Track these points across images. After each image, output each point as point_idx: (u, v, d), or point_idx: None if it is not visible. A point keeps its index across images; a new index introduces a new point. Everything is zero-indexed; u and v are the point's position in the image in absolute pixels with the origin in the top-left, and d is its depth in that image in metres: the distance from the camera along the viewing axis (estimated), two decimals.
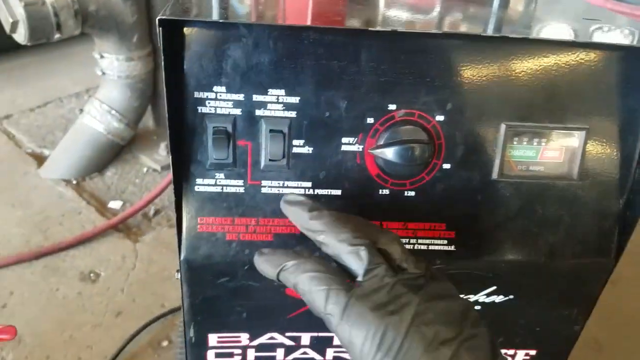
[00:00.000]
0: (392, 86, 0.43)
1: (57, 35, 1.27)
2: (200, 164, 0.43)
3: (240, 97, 0.42)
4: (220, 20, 0.38)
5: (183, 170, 0.43)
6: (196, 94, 0.41)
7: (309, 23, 0.44)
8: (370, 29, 0.40)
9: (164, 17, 0.36)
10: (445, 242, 0.48)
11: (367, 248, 0.37)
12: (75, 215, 1.31)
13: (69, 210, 1.32)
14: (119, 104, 1.45)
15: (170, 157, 0.42)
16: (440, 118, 0.44)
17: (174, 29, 0.38)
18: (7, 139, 1.59)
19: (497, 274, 0.50)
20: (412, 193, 0.46)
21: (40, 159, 1.50)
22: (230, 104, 0.42)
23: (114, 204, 1.36)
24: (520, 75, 0.45)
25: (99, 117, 1.43)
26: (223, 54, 0.40)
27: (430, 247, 0.48)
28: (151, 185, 1.44)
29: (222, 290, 0.47)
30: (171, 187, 1.40)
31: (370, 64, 0.42)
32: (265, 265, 0.40)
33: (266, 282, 0.46)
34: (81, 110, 1.49)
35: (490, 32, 0.46)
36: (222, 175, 0.43)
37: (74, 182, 1.42)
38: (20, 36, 1.24)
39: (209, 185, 0.44)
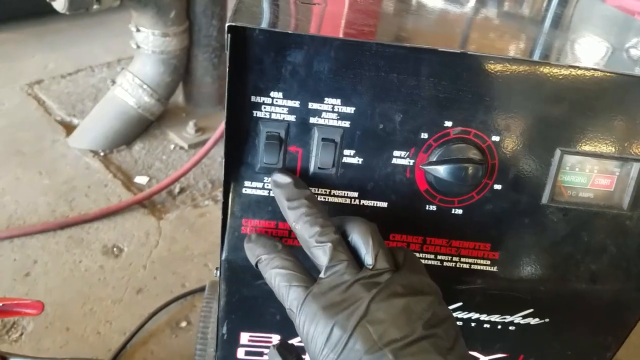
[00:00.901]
0: (450, 103, 0.42)
1: (95, 7, 1.27)
2: (250, 167, 0.43)
3: (295, 103, 0.41)
4: (289, 32, 0.37)
5: (233, 172, 0.43)
6: (253, 98, 0.41)
7: (342, 24, 0.43)
8: (439, 48, 0.38)
9: (233, 24, 0.35)
10: (489, 262, 0.47)
11: (332, 244, 0.38)
12: (102, 187, 1.32)
13: (95, 182, 1.33)
14: (152, 79, 1.45)
15: (224, 159, 0.41)
16: (496, 138, 0.43)
17: (239, 35, 0.37)
18: (37, 105, 1.60)
19: (536, 297, 0.49)
20: (460, 211, 0.45)
21: (69, 128, 1.51)
22: (285, 109, 0.41)
23: (140, 179, 1.37)
24: (578, 101, 0.43)
25: (131, 90, 1.44)
26: (284, 59, 0.40)
27: (473, 267, 0.47)
28: (177, 162, 1.45)
29: (258, 292, 0.47)
30: (198, 166, 1.39)
31: (430, 79, 0.41)
32: (248, 253, 0.42)
33: None
34: (113, 82, 1.49)
35: (553, 58, 0.45)
36: (270, 180, 0.43)
37: (102, 153, 1.43)
38: (60, 5, 1.24)
39: (256, 188, 0.43)
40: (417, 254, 0.46)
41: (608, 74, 0.42)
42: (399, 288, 0.37)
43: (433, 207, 0.45)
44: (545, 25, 0.55)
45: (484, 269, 0.47)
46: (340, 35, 0.40)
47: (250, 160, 0.43)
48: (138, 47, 1.43)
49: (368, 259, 0.38)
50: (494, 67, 0.41)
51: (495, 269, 0.47)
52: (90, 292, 1.07)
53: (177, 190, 1.35)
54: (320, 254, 0.38)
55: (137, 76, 1.44)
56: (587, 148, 0.45)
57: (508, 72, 0.41)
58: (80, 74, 1.76)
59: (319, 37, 0.39)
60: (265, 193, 0.44)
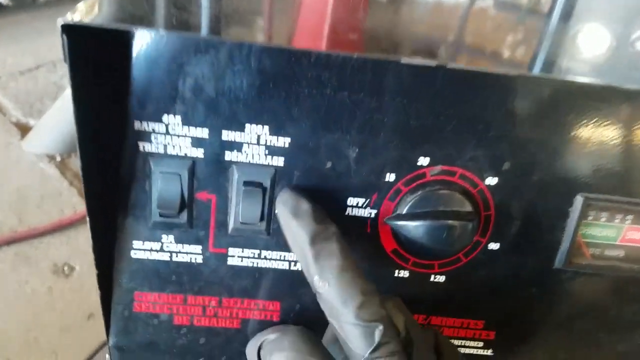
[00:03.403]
0: (426, 132, 0.29)
1: None
2: (139, 221, 0.30)
3: (203, 132, 0.28)
4: (180, 34, 0.24)
5: (113, 228, 0.30)
6: (136, 125, 0.28)
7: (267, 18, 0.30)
8: (403, 60, 0.26)
9: (67, 24, 0.22)
10: (481, 344, 0.35)
11: (383, 326, 0.25)
12: (56, 197, 1.19)
13: (50, 191, 1.20)
14: None
15: (87, 210, 0.28)
16: (491, 181, 0.31)
17: (99, 34, 0.24)
18: None
19: None
20: (442, 278, 0.33)
21: (25, 130, 1.37)
22: (187, 141, 0.28)
23: None
24: (608, 132, 0.31)
25: None
26: (180, 68, 0.27)
27: (460, 350, 0.35)
28: None
29: None
30: None
31: (397, 98, 0.28)
32: (249, 348, 0.31)
33: None
34: None
35: (565, 69, 0.32)
36: (171, 238, 0.30)
37: (58, 158, 1.29)
38: None
39: (151, 250, 0.31)
40: None
41: None
42: None
43: (405, 273, 0.33)
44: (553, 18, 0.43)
45: (476, 352, 0.35)
46: (266, 41, 0.27)
47: (139, 213, 0.30)
48: None
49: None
50: (487, 80, 0.28)
51: (489, 352, 0.35)
52: (36, 318, 0.95)
53: None
54: (360, 338, 0.25)
55: None
56: (617, 193, 0.32)
57: (508, 89, 0.29)
58: (41, 70, 1.61)
59: (228, 43, 0.26)
60: (166, 257, 0.31)
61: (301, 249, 0.27)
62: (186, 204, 0.29)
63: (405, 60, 0.26)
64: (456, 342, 0.35)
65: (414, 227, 0.29)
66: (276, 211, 0.29)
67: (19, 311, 0.96)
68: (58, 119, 1.32)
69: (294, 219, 0.28)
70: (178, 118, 0.28)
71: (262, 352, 0.30)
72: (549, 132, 0.30)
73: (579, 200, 0.32)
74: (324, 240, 0.27)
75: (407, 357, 0.25)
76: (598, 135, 0.30)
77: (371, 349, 0.25)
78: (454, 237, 0.29)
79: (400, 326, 0.27)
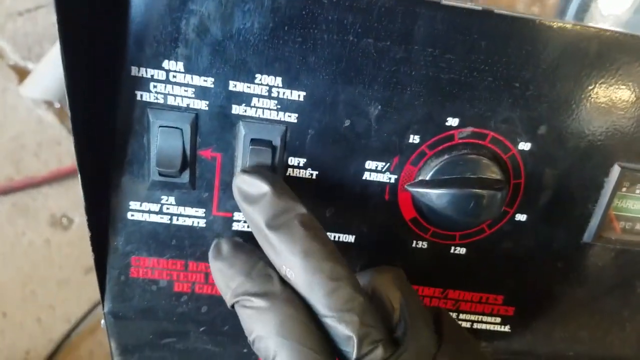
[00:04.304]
0: (458, 88, 0.26)
1: None
2: (136, 180, 0.27)
3: (207, 81, 0.25)
4: None
5: (107, 186, 0.27)
6: (133, 71, 0.25)
7: None
8: (442, 1, 0.22)
9: None
10: (499, 320, 0.33)
11: (359, 317, 0.22)
12: (54, 145, 1.16)
13: (48, 139, 1.17)
14: None
15: (78, 167, 0.26)
16: (524, 146, 0.28)
17: None
18: None
19: None
20: (462, 250, 0.30)
21: (23, 74, 1.33)
22: (190, 91, 0.25)
23: None
24: None
25: None
26: (183, 5, 0.23)
27: (476, 326, 0.33)
28: None
29: (167, 352, 0.32)
30: None
31: (428, 49, 0.25)
32: (220, 280, 0.25)
33: (231, 349, 0.32)
34: None
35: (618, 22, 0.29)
36: (171, 200, 0.28)
37: (57, 105, 1.26)
38: None
39: (149, 212, 0.28)
40: None
41: None
42: None
43: (423, 244, 0.30)
44: None
45: (492, 328, 0.33)
46: None
47: (136, 171, 0.27)
48: None
49: (405, 319, 0.24)
50: (533, 34, 0.25)
51: (507, 328, 0.33)
52: (33, 271, 0.94)
53: None
54: (336, 332, 0.22)
55: None
56: None
57: (552, 43, 0.26)
58: (41, 11, 1.55)
59: None
60: (166, 220, 0.28)
61: (262, 237, 0.24)
62: (188, 162, 0.27)
63: (445, 1, 0.22)
64: (472, 317, 0.33)
65: (437, 196, 0.27)
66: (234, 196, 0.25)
67: (16, 264, 0.95)
68: (57, 63, 1.27)
69: (249, 206, 0.24)
70: (180, 64, 0.25)
71: (239, 309, 0.24)
72: (591, 93, 0.27)
73: (616, 169, 0.29)
74: (283, 227, 0.23)
75: (392, 343, 0.23)
76: None
77: (356, 350, 0.21)
78: (481, 207, 0.27)
79: (395, 304, 0.25)
